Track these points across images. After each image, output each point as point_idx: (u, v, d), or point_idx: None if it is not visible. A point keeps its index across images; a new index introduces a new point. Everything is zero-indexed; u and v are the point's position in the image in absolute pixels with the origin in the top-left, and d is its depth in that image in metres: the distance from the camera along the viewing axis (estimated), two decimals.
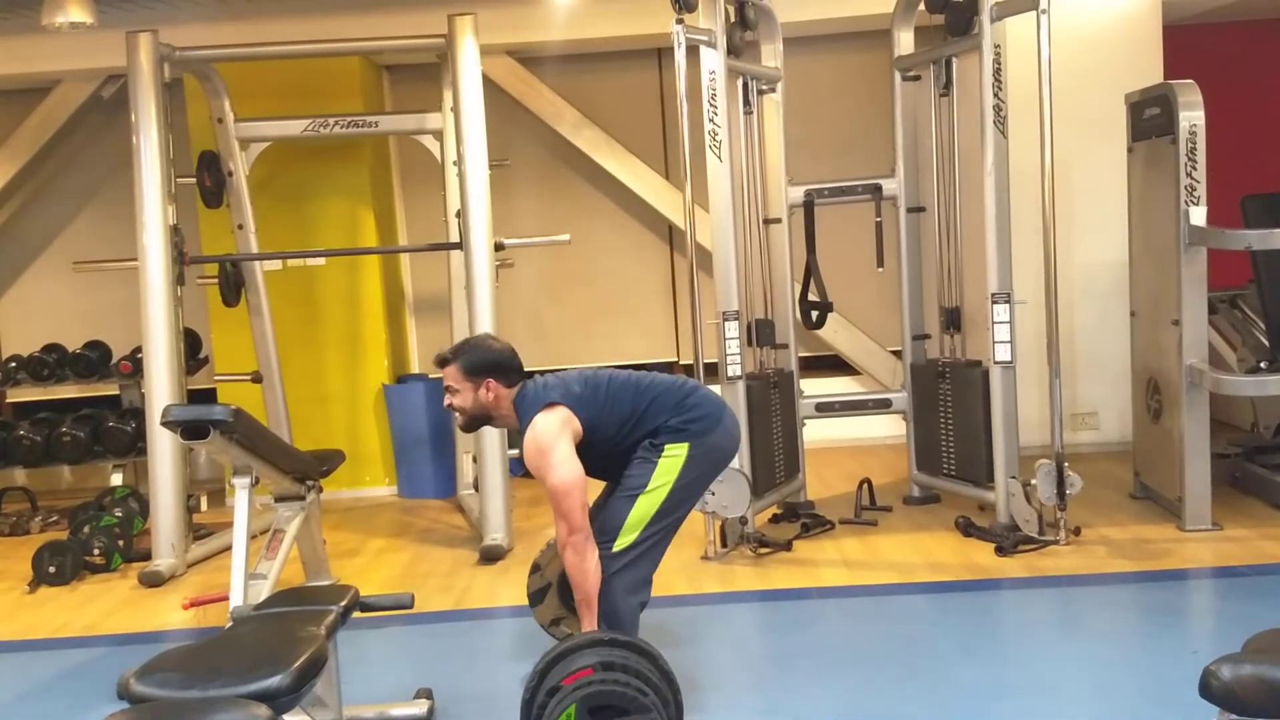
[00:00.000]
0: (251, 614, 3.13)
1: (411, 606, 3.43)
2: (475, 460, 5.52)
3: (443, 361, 3.34)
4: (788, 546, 4.93)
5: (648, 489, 3.18)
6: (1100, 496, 5.42)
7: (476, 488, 5.59)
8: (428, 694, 3.45)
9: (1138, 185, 5.31)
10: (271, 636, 2.82)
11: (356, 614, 3.20)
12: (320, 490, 4.70)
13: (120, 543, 5.41)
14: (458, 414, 3.37)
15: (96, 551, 5.33)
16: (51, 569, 5.14)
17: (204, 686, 2.48)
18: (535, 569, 3.76)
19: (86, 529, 5.42)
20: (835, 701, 3.34)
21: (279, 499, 4.52)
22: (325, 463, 4.78)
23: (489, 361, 3.30)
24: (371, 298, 6.83)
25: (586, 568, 3.07)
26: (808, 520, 5.27)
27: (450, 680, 3.62)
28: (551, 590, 3.71)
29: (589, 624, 3.11)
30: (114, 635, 4.41)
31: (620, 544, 3.16)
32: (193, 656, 2.69)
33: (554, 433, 3.13)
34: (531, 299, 7.36)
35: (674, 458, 3.21)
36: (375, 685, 3.63)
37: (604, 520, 3.20)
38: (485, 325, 5.28)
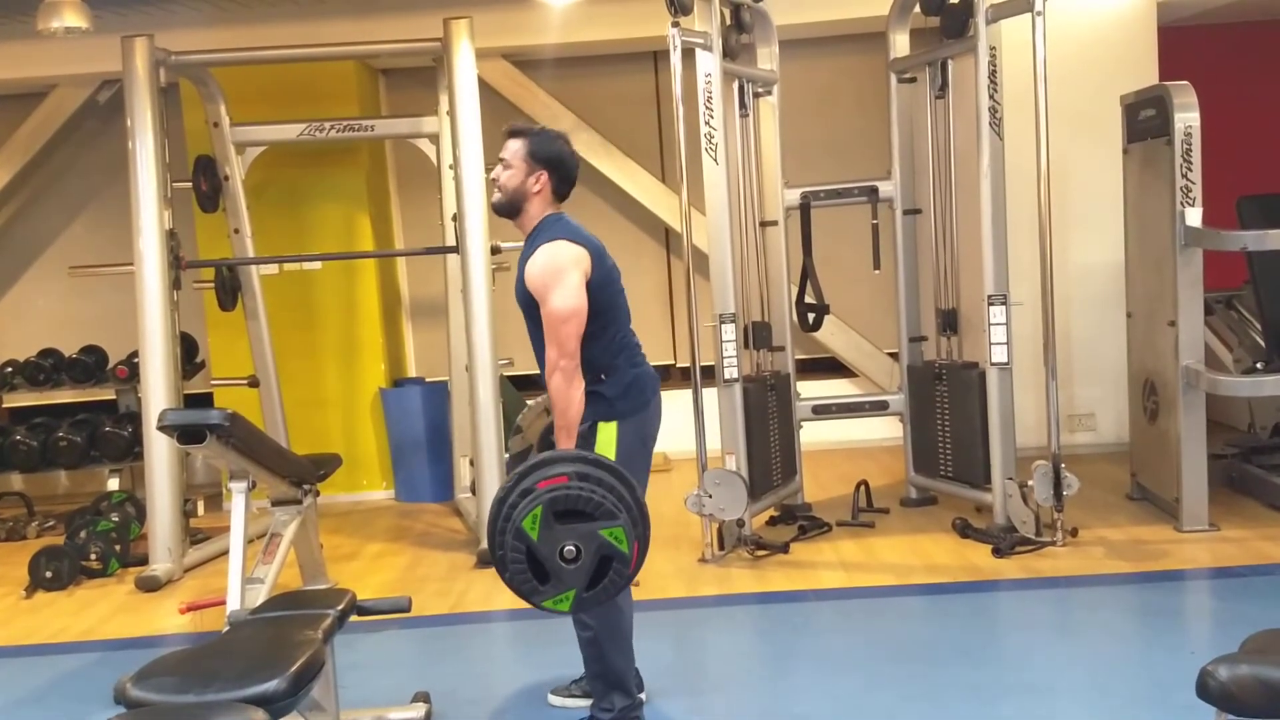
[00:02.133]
0: (248, 618, 3.13)
1: (409, 610, 3.42)
2: (472, 464, 5.52)
3: (515, 133, 3.17)
4: (785, 549, 4.93)
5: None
6: (1097, 498, 5.42)
7: (473, 491, 5.59)
8: (425, 697, 3.44)
9: (1133, 187, 5.32)
10: (268, 641, 2.82)
11: (354, 618, 3.20)
12: (317, 494, 4.70)
13: (117, 547, 5.40)
14: (497, 190, 3.17)
15: (93, 556, 5.32)
16: (48, 574, 5.13)
17: (201, 691, 2.47)
18: (517, 430, 3.73)
19: (83, 534, 5.41)
20: (833, 704, 3.34)
21: (276, 503, 4.52)
22: (322, 466, 4.77)
23: (557, 156, 3.15)
24: (368, 302, 6.83)
25: (572, 394, 3.04)
26: (805, 522, 5.27)
27: (447, 684, 3.61)
28: (533, 451, 3.71)
29: (563, 424, 3.06)
30: (111, 640, 4.41)
31: None
32: (189, 661, 2.69)
33: (572, 261, 3.06)
34: None
35: (606, 437, 3.17)
36: (373, 689, 3.63)
37: None
38: (482, 329, 5.27)
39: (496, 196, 3.18)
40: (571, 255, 3.06)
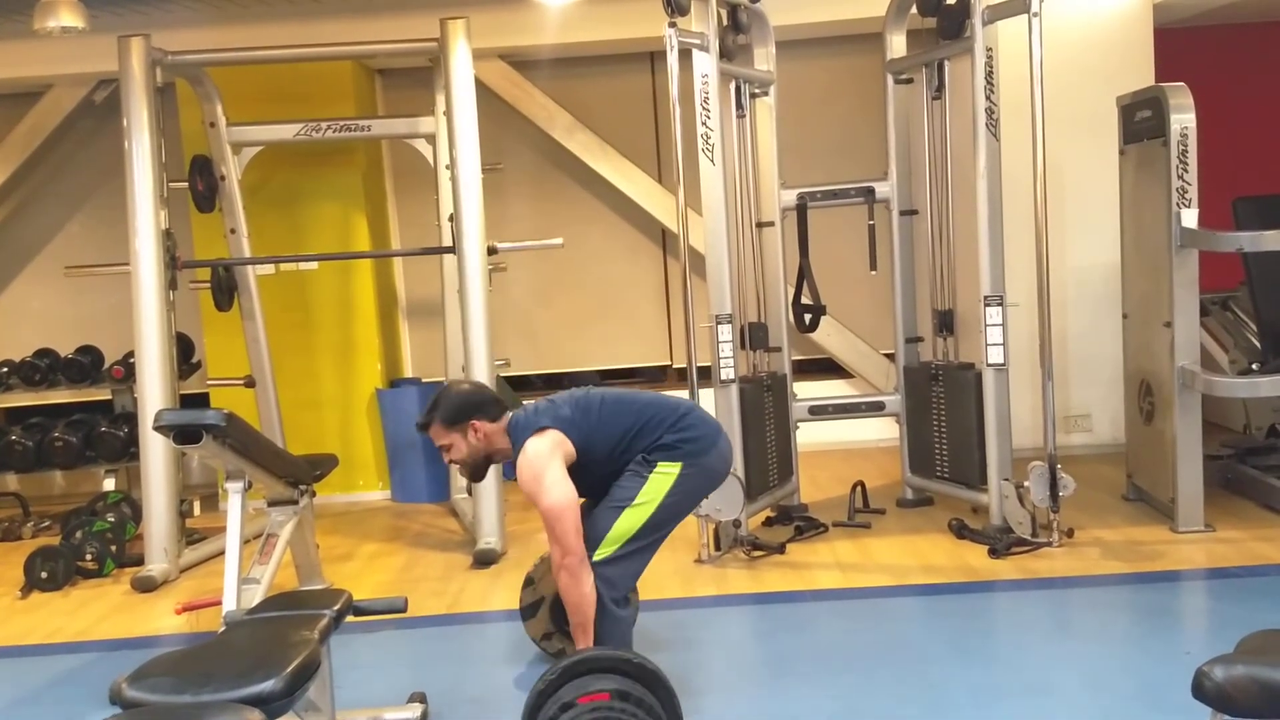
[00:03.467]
0: (244, 618, 3.12)
1: (405, 610, 3.42)
2: None
3: (423, 426, 3.35)
4: (781, 549, 4.93)
5: (635, 503, 3.19)
6: (1093, 498, 5.43)
7: (469, 492, 5.58)
8: (421, 698, 3.44)
9: (1129, 188, 5.32)
10: (264, 641, 2.82)
11: (350, 618, 3.20)
12: (313, 494, 4.69)
13: (113, 548, 5.39)
14: (461, 468, 3.41)
15: (89, 557, 5.31)
16: (44, 574, 5.12)
17: (196, 691, 2.47)
18: (529, 582, 3.75)
19: (79, 534, 5.40)
20: (829, 704, 3.34)
21: (272, 503, 4.51)
22: (318, 467, 4.76)
23: (463, 404, 3.32)
24: (364, 302, 6.82)
25: (582, 590, 3.08)
26: (801, 523, 5.27)
27: (444, 684, 3.61)
28: (544, 605, 3.71)
29: (579, 623, 3.11)
30: (106, 641, 4.40)
31: (600, 554, 3.16)
32: (185, 661, 2.69)
33: (545, 456, 3.13)
34: (524, 303, 7.36)
35: (665, 475, 3.22)
36: (369, 689, 3.62)
37: (588, 528, 3.19)
38: (478, 329, 5.28)
39: (465, 472, 3.42)
40: (545, 449, 3.15)
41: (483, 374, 5.26)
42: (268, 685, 2.48)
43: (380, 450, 6.83)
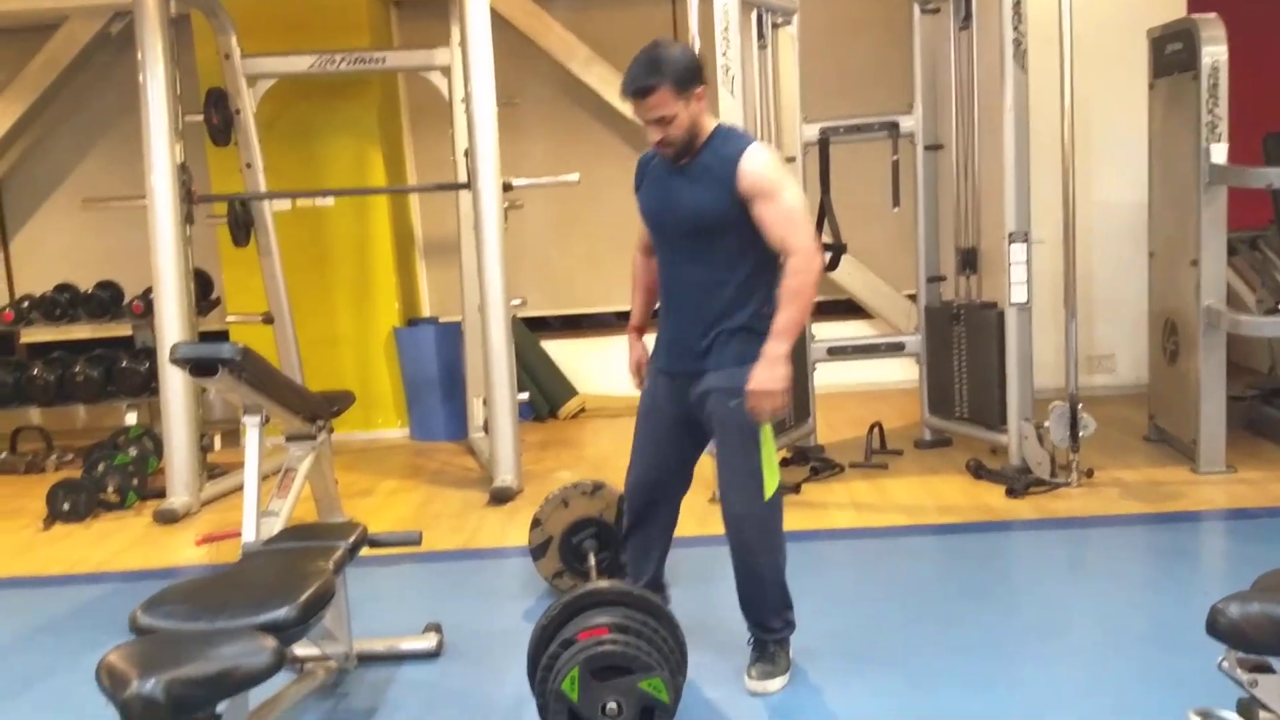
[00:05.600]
0: (261, 549, 3.14)
1: (419, 543, 3.44)
2: (485, 404, 5.52)
3: (645, 90, 2.79)
4: (796, 489, 4.92)
5: (760, 435, 2.99)
6: (1114, 439, 5.39)
7: (487, 430, 5.59)
8: (437, 628, 3.47)
9: (1158, 122, 5.20)
10: (279, 571, 2.84)
11: (366, 550, 3.22)
12: (331, 430, 4.69)
13: (135, 481, 5.44)
14: (670, 147, 2.87)
15: (111, 490, 5.36)
16: (66, 506, 5.18)
17: (211, 619, 2.49)
18: (536, 523, 3.77)
19: (100, 467, 5.45)
20: (840, 642, 3.34)
21: (290, 438, 4.52)
22: (335, 403, 4.75)
23: (690, 65, 2.83)
24: (381, 240, 6.79)
25: (817, 280, 2.87)
26: (817, 464, 5.26)
27: (459, 617, 3.63)
28: (553, 545, 3.73)
29: (800, 319, 2.90)
30: (128, 571, 4.45)
31: (770, 490, 3.02)
32: (200, 590, 2.71)
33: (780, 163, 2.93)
34: (541, 242, 7.31)
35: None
36: (387, 620, 3.65)
37: (737, 465, 3.02)
38: (493, 267, 5.24)
39: (669, 151, 2.89)
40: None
41: (497, 314, 5.23)
42: (281, 613, 2.51)
43: (398, 388, 6.84)
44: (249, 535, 3.93)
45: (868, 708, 2.91)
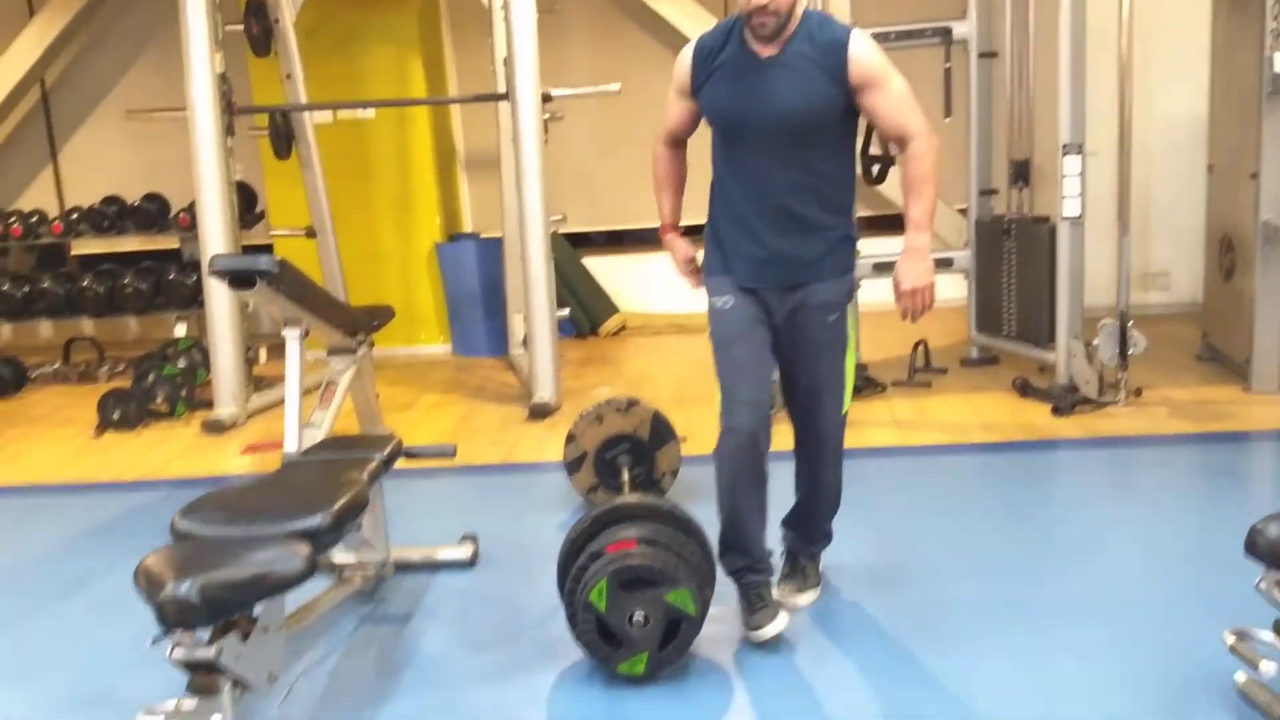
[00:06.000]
0: (299, 459, 3.18)
1: (454, 455, 3.47)
2: (525, 320, 5.51)
3: None
4: None
5: (848, 347, 2.97)
6: (1165, 358, 5.27)
7: (527, 346, 5.60)
8: (473, 539, 3.51)
9: (1221, 31, 4.97)
10: (315, 480, 2.87)
11: (402, 462, 3.25)
12: (372, 344, 4.73)
13: (183, 392, 5.53)
14: (770, 23, 2.64)
15: (160, 400, 5.46)
16: (116, 415, 5.29)
17: (247, 525, 2.53)
18: (570, 439, 3.78)
19: (150, 378, 5.55)
20: (877, 557, 3.33)
21: (331, 352, 4.56)
22: (375, 317, 4.77)
23: None
24: (422, 153, 6.75)
25: (936, 161, 2.74)
26: (860, 382, 5.20)
27: (496, 528, 3.67)
28: (587, 460, 3.75)
29: (934, 205, 2.79)
30: (175, 479, 4.55)
31: (849, 402, 3.02)
32: (238, 497, 2.75)
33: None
34: (582, 154, 7.21)
35: (853, 306, 2.98)
36: (424, 530, 3.70)
37: (842, 382, 2.98)
38: (532, 180, 5.18)
39: (770, 23, 2.64)
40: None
41: (536, 228, 5.19)
42: (314, 520, 2.54)
43: (440, 304, 6.86)
44: (290, 446, 4.00)
45: (895, 624, 2.90)
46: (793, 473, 3.11)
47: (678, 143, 3.09)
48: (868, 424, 4.72)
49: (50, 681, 2.85)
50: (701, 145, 3.06)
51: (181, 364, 5.81)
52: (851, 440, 4.45)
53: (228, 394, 5.31)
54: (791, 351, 2.91)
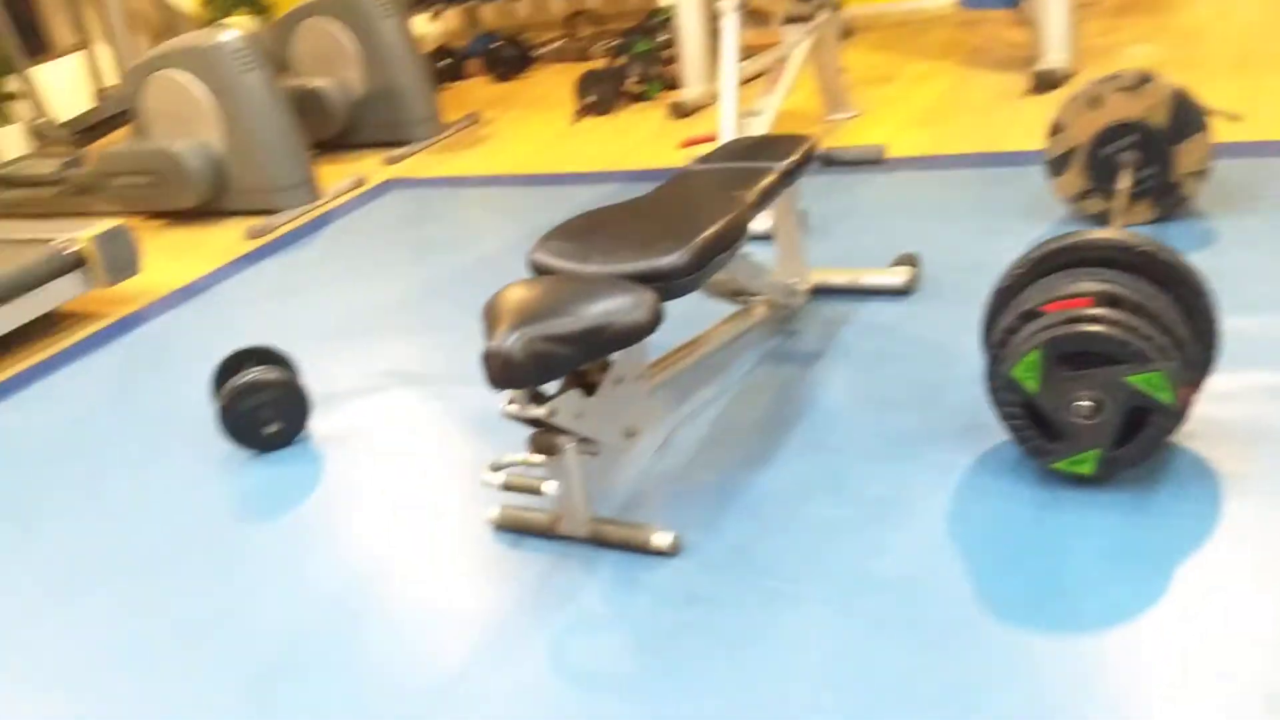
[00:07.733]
0: (695, 168, 2.73)
1: (880, 160, 2.81)
2: None
3: None
4: None
5: None
6: None
7: None
8: (910, 260, 2.90)
9: None
10: (689, 202, 2.43)
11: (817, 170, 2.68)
12: (837, 8, 4.06)
13: (658, 69, 5.25)
14: None
15: (634, 79, 5.24)
16: (591, 98, 5.16)
17: (601, 261, 2.18)
18: (1056, 129, 2.89)
19: (625, 56, 5.32)
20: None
21: (785, 21, 3.98)
22: None
23: None
24: None
25: None
26: None
27: (947, 244, 3.01)
28: (1077, 156, 2.85)
29: None
30: (630, 171, 4.33)
31: None
32: (598, 224, 2.37)
33: None
34: None
35: None
36: (858, 245, 3.15)
37: None
38: None
39: None
40: None
41: None
42: (668, 260, 2.13)
43: None
44: (726, 137, 3.59)
45: None
46: None
47: None
48: None
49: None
50: None
51: (660, 38, 5.49)
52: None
53: (694, 73, 4.94)
54: None
